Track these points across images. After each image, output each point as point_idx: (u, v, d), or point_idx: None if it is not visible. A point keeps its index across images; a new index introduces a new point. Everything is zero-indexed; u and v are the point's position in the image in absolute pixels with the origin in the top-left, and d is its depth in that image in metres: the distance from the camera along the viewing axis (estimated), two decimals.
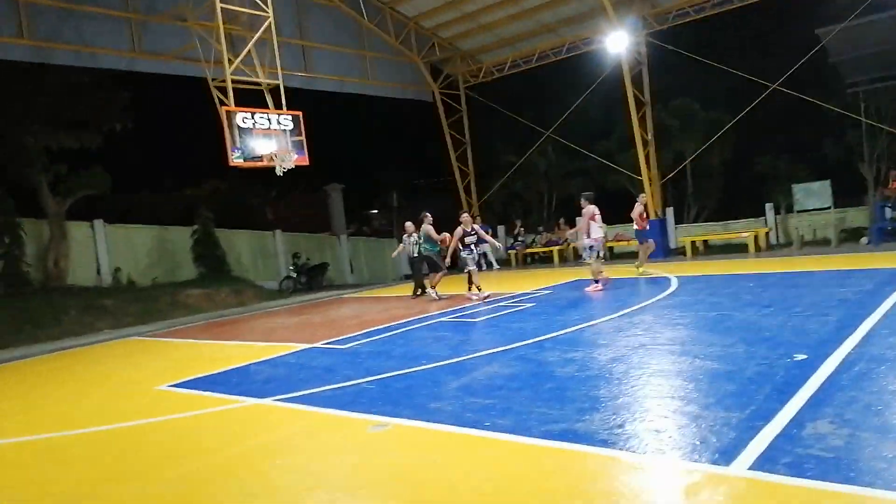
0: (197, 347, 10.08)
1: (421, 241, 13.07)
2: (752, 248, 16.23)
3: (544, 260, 20.50)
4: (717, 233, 18.53)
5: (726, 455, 3.46)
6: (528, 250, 20.92)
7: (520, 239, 21.06)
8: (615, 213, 20.68)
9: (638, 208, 13.32)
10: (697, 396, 4.59)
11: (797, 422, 3.83)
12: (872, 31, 15.05)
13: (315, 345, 8.61)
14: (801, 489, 3.01)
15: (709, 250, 17.60)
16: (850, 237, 16.16)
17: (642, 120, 17.82)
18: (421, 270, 13.42)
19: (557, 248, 19.79)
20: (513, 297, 11.66)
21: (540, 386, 5.31)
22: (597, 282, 11.45)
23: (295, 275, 18.75)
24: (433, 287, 12.93)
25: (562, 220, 21.04)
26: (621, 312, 8.54)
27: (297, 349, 8.46)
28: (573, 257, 19.77)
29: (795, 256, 14.33)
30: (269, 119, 13.02)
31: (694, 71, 18.20)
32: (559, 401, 4.82)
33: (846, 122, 16.96)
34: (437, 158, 22.71)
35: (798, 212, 16.81)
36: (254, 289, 17.18)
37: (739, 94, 17.50)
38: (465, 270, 12.04)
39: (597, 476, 3.50)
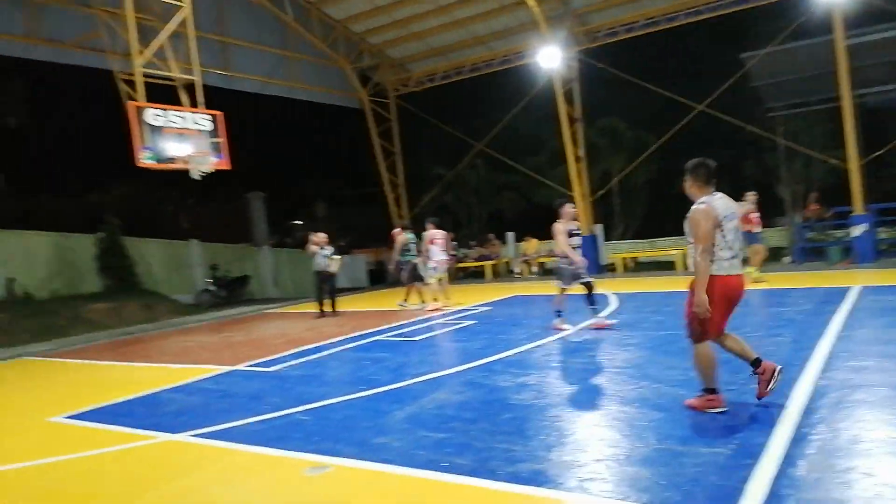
0: (100, 370, 8.96)
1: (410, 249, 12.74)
2: (679, 265, 16.47)
3: (476, 275, 20.17)
4: (645, 250, 18.79)
5: (725, 501, 3.06)
6: (460, 265, 20.54)
7: (451, 253, 20.63)
8: (542, 228, 20.74)
9: (746, 207, 11.60)
10: (673, 429, 4.21)
11: (789, 460, 3.48)
12: (792, 58, 15.68)
13: (237, 367, 7.76)
14: None
15: (638, 267, 17.79)
16: (770, 256, 16.70)
17: (574, 136, 17.85)
18: (329, 288, 12.65)
19: (490, 262, 19.51)
20: (451, 313, 11.15)
21: (496, 416, 4.80)
22: (435, 300, 12.08)
23: (213, 288, 17.52)
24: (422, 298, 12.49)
25: (492, 235, 20.84)
26: (569, 331, 8.19)
27: (217, 372, 7.58)
28: (506, 272, 19.56)
29: None
30: (183, 117, 11.99)
31: (620, 91, 18.51)
32: (521, 435, 4.33)
33: (765, 144, 17.63)
34: (365, 168, 22.01)
35: None
36: (167, 303, 15.87)
37: (664, 114, 17.89)
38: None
39: None
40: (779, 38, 15.19)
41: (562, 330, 8.16)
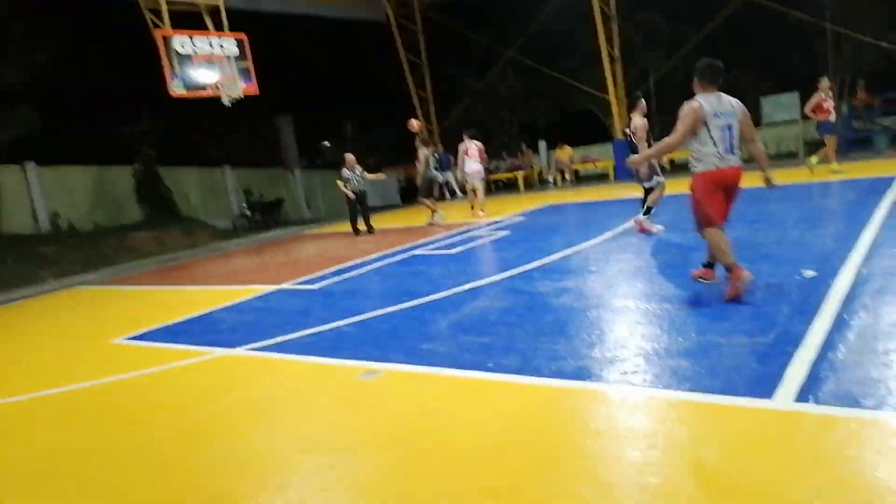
0: (151, 295, 9.39)
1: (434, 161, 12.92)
2: None
3: (508, 186, 20.05)
4: (681, 151, 18.28)
5: (765, 386, 3.14)
6: (493, 177, 20.40)
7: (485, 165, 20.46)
8: (576, 133, 20.27)
9: (817, 97, 11.37)
10: (713, 322, 4.27)
11: (830, 345, 3.52)
12: None
13: (282, 286, 8.04)
14: (859, 420, 2.69)
15: (673, 167, 17.43)
16: (814, 149, 16.11)
17: (608, 34, 17.11)
18: (361, 208, 12.74)
19: (522, 173, 19.32)
20: (485, 225, 11.21)
21: (538, 320, 4.91)
22: (473, 208, 12.76)
23: (249, 212, 17.86)
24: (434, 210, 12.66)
25: (524, 145, 20.51)
26: (605, 236, 8.19)
27: (264, 292, 7.87)
28: (538, 182, 19.39)
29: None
30: (210, 43, 11.92)
31: None
32: (564, 335, 4.44)
33: (811, 31, 16.62)
34: (393, 84, 21.60)
35: (766, 125, 16.62)
36: (206, 229, 16.31)
37: (703, 5, 16.92)
38: None
39: (626, 418, 3.12)
40: None
41: (648, 230, 7.91)
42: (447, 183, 18.79)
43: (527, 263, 7.05)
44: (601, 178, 18.50)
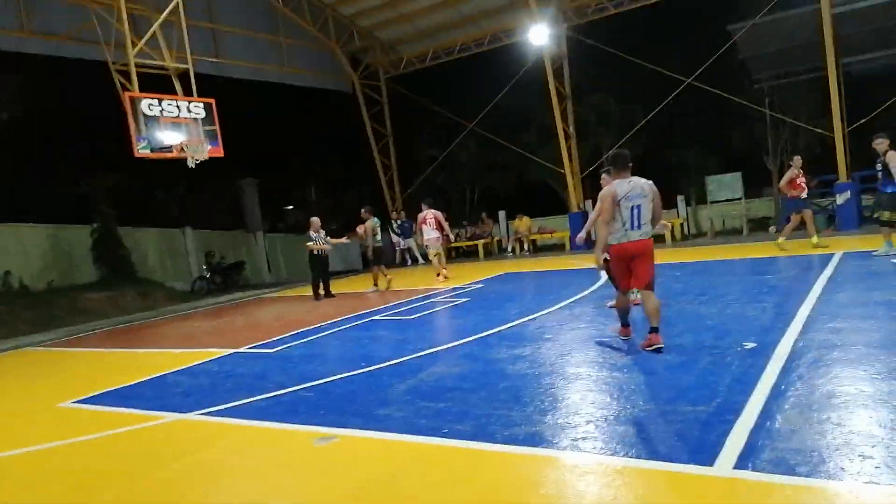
0: (103, 357, 9.16)
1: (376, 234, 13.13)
2: (668, 238, 16.73)
3: (468, 254, 20.39)
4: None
5: (706, 454, 3.29)
6: (453, 244, 20.72)
7: (444, 233, 20.81)
8: (534, 205, 20.89)
9: (791, 173, 11.49)
10: (660, 391, 4.45)
11: (767, 414, 3.72)
12: (778, 29, 15.81)
13: (239, 350, 7.97)
14: (793, 487, 2.85)
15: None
16: (756, 227, 16.99)
17: (564, 113, 18.00)
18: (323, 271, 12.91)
19: (482, 241, 19.72)
20: (444, 292, 11.37)
21: (493, 386, 5.02)
22: (437, 275, 13.08)
23: (209, 275, 17.68)
24: (377, 282, 12.95)
25: (484, 214, 21.01)
26: (559, 305, 8.42)
27: (220, 355, 7.79)
28: (497, 250, 19.79)
29: (710, 246, 14.85)
30: (178, 106, 12.10)
31: (609, 67, 18.56)
32: (517, 402, 4.55)
33: (752, 115, 17.81)
34: (357, 151, 22.09)
35: (710, 203, 17.49)
36: (163, 290, 16.04)
37: (652, 89, 17.99)
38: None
39: (576, 483, 3.23)
40: (765, 8, 15.30)
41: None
42: (409, 249, 19.02)
43: (484, 331, 7.19)
44: (558, 248, 19.00)
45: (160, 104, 11.81)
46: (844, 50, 15.87)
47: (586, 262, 13.41)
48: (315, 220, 12.82)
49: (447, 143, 21.25)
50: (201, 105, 12.38)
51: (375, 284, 12.95)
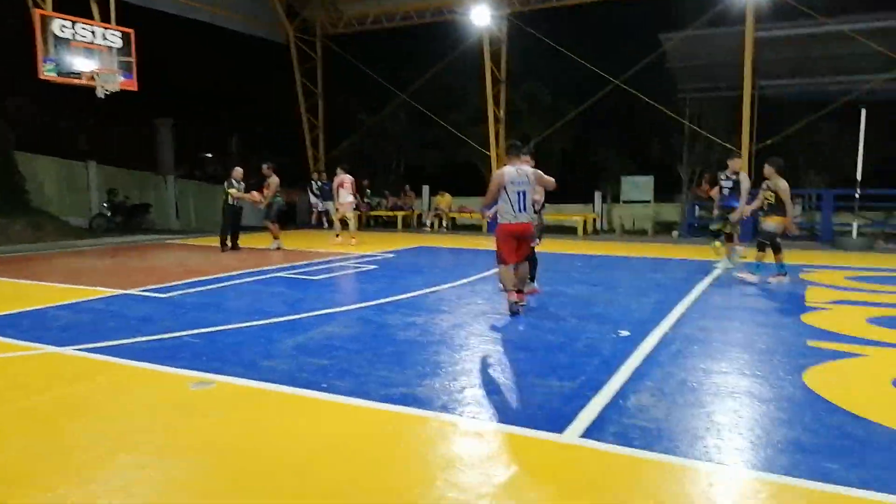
0: None
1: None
2: (580, 231, 17.37)
3: (388, 224, 20.40)
4: (550, 214, 19.57)
5: (559, 423, 3.54)
6: (373, 213, 20.67)
7: (365, 200, 20.73)
8: (462, 185, 21.11)
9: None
10: (533, 366, 4.72)
11: (622, 394, 4.03)
12: (706, 44, 16.56)
13: (130, 291, 7.72)
14: (627, 458, 3.14)
15: (545, 230, 18.54)
16: (662, 229, 17.90)
17: (496, 97, 18.21)
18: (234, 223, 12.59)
19: (402, 213, 19.76)
20: (356, 257, 11.39)
21: (380, 349, 5.15)
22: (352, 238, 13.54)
23: (109, 213, 16.84)
24: (277, 237, 12.73)
25: (407, 186, 21.03)
26: (463, 280, 8.64)
27: (107, 294, 7.52)
28: (416, 224, 19.90)
29: (617, 242, 15.56)
30: (93, 31, 11.40)
31: (546, 58, 18.87)
32: (400, 365, 4.70)
33: (672, 124, 18.63)
34: (285, 106, 21.47)
35: (623, 202, 18.26)
36: (58, 224, 15.19)
37: (584, 86, 18.47)
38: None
39: (436, 441, 3.42)
40: (696, 22, 15.97)
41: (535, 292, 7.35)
42: (326, 212, 18.80)
43: (383, 297, 7.30)
44: (476, 228, 19.30)
45: (73, 27, 11.10)
46: (761, 73, 16.84)
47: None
48: (238, 170, 12.46)
49: (378, 110, 21.04)
50: (119, 34, 11.71)
51: (276, 239, 12.82)
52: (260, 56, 22.18)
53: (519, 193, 6.23)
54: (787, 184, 8.39)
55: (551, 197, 7.85)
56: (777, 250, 8.44)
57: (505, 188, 6.22)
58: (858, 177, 13.38)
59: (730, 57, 15.98)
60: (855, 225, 13.84)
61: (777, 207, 8.39)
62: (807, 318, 6.18)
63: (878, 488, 2.78)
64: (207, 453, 3.24)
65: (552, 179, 6.70)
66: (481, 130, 18.87)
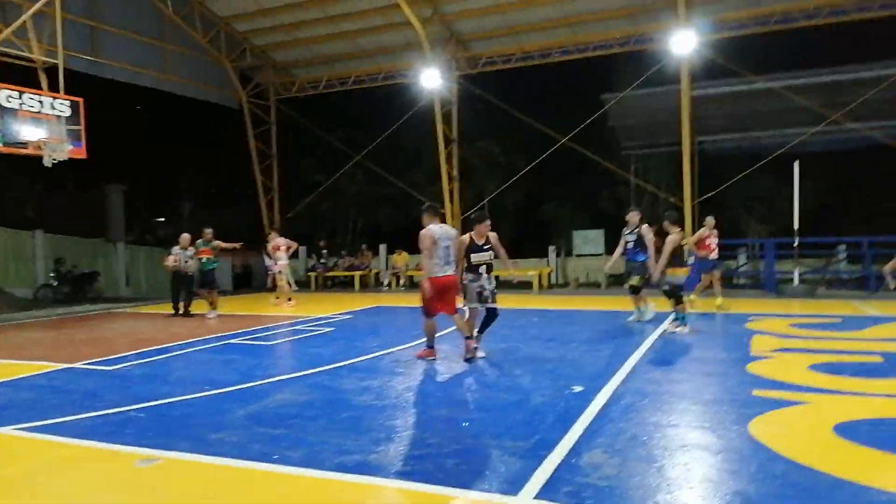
0: None
1: (203, 258, 12.24)
2: (535, 285, 17.61)
3: (345, 284, 20.30)
4: (506, 269, 19.81)
5: (514, 484, 3.55)
6: (329, 273, 20.57)
7: (321, 261, 20.66)
8: (415, 242, 21.28)
9: (700, 232, 11.23)
10: (488, 427, 4.72)
11: (575, 451, 4.07)
12: (645, 103, 17.45)
13: (75, 364, 7.46)
14: None
15: (499, 286, 18.71)
16: (615, 281, 18.26)
17: (449, 156, 18.63)
18: (197, 286, 12.34)
19: (359, 272, 19.73)
20: (311, 320, 11.28)
21: (335, 415, 5.09)
22: (289, 299, 14.05)
23: (56, 283, 16.34)
24: (214, 306, 12.25)
25: (364, 246, 21.08)
26: (420, 340, 8.61)
27: (51, 369, 7.25)
28: (374, 283, 19.86)
29: (572, 296, 15.82)
30: (41, 101, 11.33)
31: (497, 117, 19.53)
32: (355, 431, 4.65)
33: (619, 179, 19.34)
34: (239, 169, 21.50)
35: (576, 256, 18.67)
36: (1, 296, 14.62)
37: (535, 142, 19.11)
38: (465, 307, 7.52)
39: None
40: (634, 83, 16.82)
41: (476, 357, 7.09)
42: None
43: (339, 361, 7.24)
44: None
45: (20, 97, 11.03)
46: (699, 129, 17.74)
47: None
48: (185, 236, 12.30)
49: (334, 170, 21.24)
50: (67, 103, 11.66)
51: (212, 307, 12.26)
52: (213, 119, 22.30)
53: (445, 249, 6.80)
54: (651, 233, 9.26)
55: (508, 252, 8.16)
56: (677, 301, 8.73)
57: (436, 243, 6.74)
58: (796, 226, 14.02)
59: (669, 115, 16.84)
60: (796, 272, 14.41)
61: (679, 258, 8.75)
62: (752, 368, 6.37)
63: None
64: None
65: (503, 251, 7.48)
66: (437, 189, 19.20)
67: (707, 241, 11.17)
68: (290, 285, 14.52)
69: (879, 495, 3.34)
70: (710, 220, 11.34)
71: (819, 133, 16.47)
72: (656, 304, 10.17)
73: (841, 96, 15.77)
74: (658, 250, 9.16)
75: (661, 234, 9.21)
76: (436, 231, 6.80)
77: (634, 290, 9.92)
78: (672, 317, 8.96)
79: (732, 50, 16.16)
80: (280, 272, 14.29)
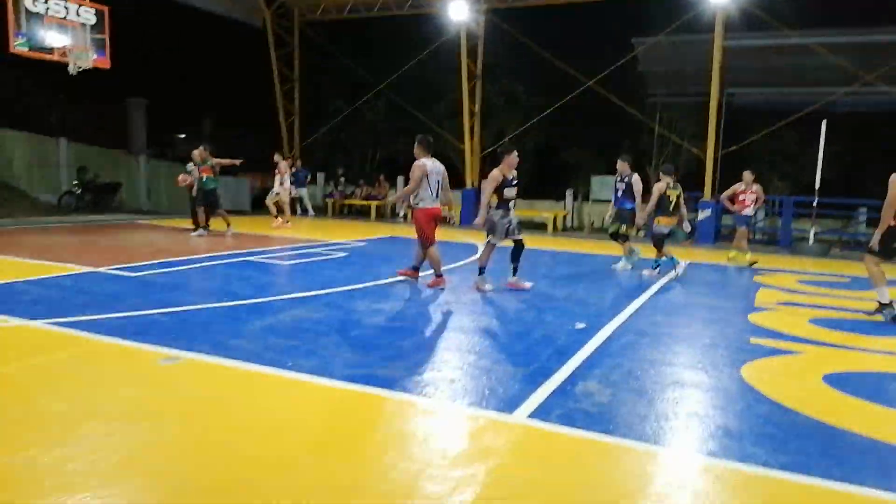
0: None
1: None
2: (550, 227, 17.69)
3: (361, 213, 20.50)
4: (522, 210, 19.89)
5: (509, 404, 3.78)
6: (346, 201, 20.75)
7: (339, 188, 20.80)
8: None
9: (734, 187, 11.10)
10: (490, 352, 4.95)
11: (571, 381, 4.29)
12: (676, 51, 16.97)
13: (99, 269, 7.77)
14: (569, 437, 3.39)
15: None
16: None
17: (472, 91, 18.39)
18: (199, 204, 12.26)
19: (375, 202, 19.88)
20: (326, 245, 11.51)
21: (346, 332, 5.34)
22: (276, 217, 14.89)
23: (79, 191, 16.65)
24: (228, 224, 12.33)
25: (382, 176, 21.13)
26: (430, 270, 8.82)
27: (76, 271, 7.57)
28: (390, 214, 20.03)
29: (585, 240, 15.90)
30: (66, 7, 11.28)
31: (523, 56, 19.12)
32: (364, 348, 4.90)
33: (642, 127, 19.04)
34: (261, 91, 21.39)
35: (593, 201, 18.65)
36: (26, 200, 15.00)
37: (559, 84, 18.76)
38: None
39: (392, 418, 3.64)
40: (667, 28, 16.35)
41: (483, 290, 7.33)
42: (301, 199, 18.82)
43: (352, 284, 7.48)
44: (446, 220, 19.52)
45: (46, 1, 10.99)
46: (729, 81, 17.30)
47: (471, 237, 14.01)
48: (195, 152, 12.32)
49: (356, 98, 21.07)
50: (93, 11, 11.62)
51: (199, 227, 12.20)
52: (236, 38, 22.02)
53: (437, 182, 7.21)
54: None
55: (524, 193, 8.28)
56: (658, 248, 9.12)
57: (427, 178, 7.11)
58: (817, 185, 13.89)
59: (699, 64, 16.40)
60: (812, 231, 14.36)
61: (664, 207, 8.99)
62: (753, 318, 6.53)
63: (797, 470, 3.07)
64: (173, 421, 3.41)
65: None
66: (457, 123, 19.06)
67: (742, 197, 11.03)
68: (282, 209, 15.26)
69: (854, 438, 3.53)
70: (747, 176, 11.10)
71: (850, 94, 16.04)
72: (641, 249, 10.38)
73: (876, 58, 15.27)
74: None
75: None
76: (428, 164, 7.14)
77: (615, 237, 10.04)
78: (653, 263, 9.19)
79: (769, 2, 15.60)
80: (278, 193, 15.03)
